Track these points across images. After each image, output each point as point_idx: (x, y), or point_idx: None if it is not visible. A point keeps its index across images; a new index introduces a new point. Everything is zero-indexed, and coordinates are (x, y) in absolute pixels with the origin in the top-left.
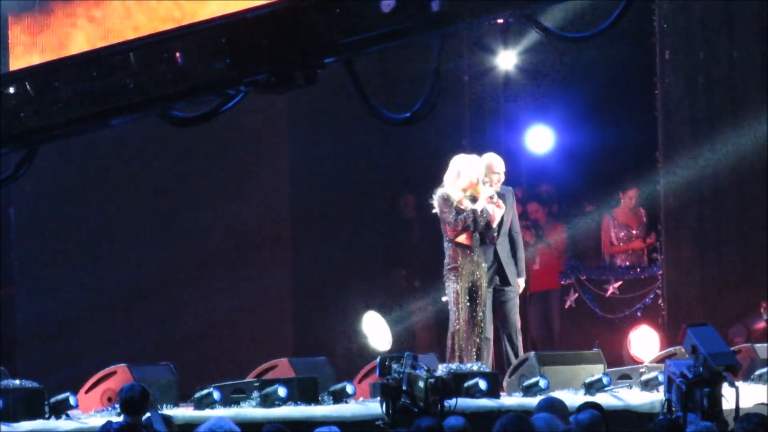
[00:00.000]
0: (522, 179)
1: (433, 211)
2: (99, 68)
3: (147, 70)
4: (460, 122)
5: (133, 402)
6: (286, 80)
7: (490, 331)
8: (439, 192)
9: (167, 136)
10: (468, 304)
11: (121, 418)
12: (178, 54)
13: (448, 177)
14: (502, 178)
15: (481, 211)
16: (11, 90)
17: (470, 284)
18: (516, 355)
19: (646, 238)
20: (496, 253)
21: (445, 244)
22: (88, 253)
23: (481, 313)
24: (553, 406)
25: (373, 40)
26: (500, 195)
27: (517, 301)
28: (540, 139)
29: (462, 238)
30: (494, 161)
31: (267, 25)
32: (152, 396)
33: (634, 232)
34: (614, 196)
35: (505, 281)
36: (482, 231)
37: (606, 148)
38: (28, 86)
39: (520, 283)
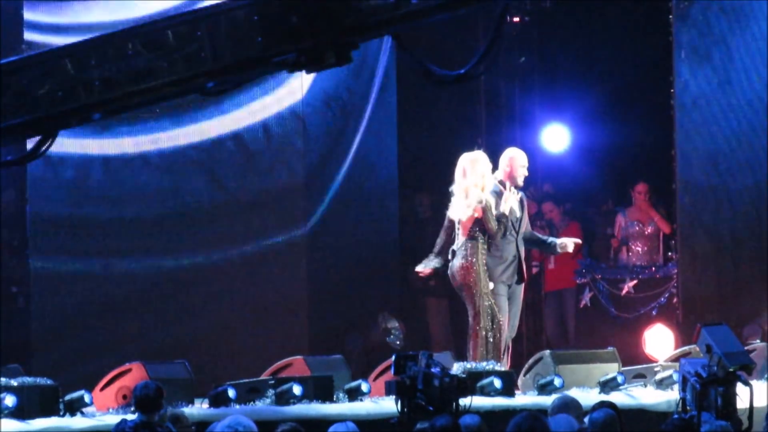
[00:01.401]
0: (537, 178)
1: (459, 217)
2: (134, 47)
3: (181, 48)
4: (476, 121)
5: (147, 400)
6: (317, 59)
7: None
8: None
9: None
10: (490, 301)
11: (135, 416)
12: (211, 32)
13: (458, 177)
14: (526, 173)
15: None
16: (47, 69)
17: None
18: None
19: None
20: (517, 250)
21: (464, 242)
22: (103, 251)
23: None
24: (568, 405)
25: (407, 17)
26: (521, 198)
27: (521, 299)
28: (556, 137)
29: (492, 236)
30: (519, 154)
31: (297, 2)
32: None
33: (647, 229)
34: (626, 194)
35: (521, 278)
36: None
37: (622, 146)
38: (66, 64)
39: (567, 241)
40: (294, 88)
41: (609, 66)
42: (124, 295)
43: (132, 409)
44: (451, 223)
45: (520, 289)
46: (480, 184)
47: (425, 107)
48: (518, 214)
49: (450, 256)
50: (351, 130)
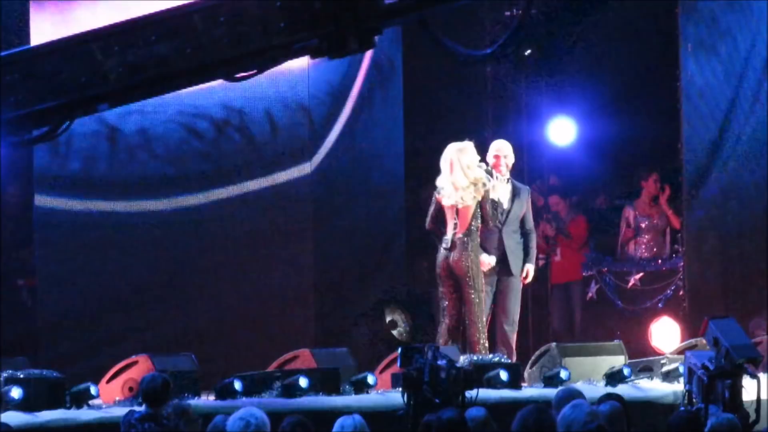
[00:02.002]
0: (544, 171)
1: (459, 205)
2: (157, 33)
3: (204, 35)
4: (482, 114)
5: (154, 392)
6: (340, 45)
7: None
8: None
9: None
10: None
11: (143, 408)
12: (234, 18)
13: (445, 168)
14: (503, 162)
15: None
16: (70, 54)
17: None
18: (505, 346)
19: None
20: (501, 242)
21: (465, 234)
22: (109, 243)
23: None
24: (573, 396)
25: (430, 1)
26: (515, 189)
27: (519, 290)
28: (562, 130)
29: (475, 228)
30: (495, 144)
31: None
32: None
33: (655, 222)
34: (636, 187)
35: (508, 271)
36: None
37: (628, 139)
38: (89, 50)
39: (530, 269)
40: (299, 79)
41: (615, 59)
42: (130, 287)
43: (139, 400)
44: (440, 213)
45: (513, 282)
46: (448, 172)
47: (431, 100)
48: (506, 205)
49: (446, 246)
50: (358, 123)
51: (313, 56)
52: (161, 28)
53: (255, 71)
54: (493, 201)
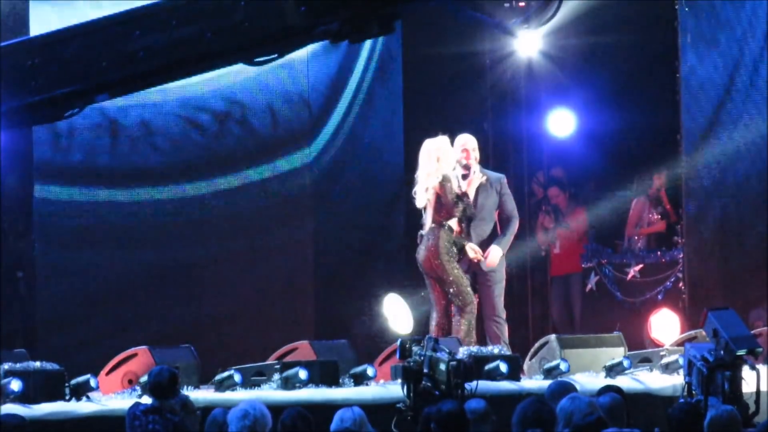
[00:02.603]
0: (543, 163)
1: (418, 197)
2: (178, 18)
3: (225, 19)
4: (482, 106)
5: (161, 386)
6: (360, 29)
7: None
8: (439, 178)
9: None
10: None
11: (149, 400)
12: (255, 3)
13: (429, 164)
14: (469, 155)
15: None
16: (91, 39)
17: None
18: (494, 339)
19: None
20: (470, 238)
21: (430, 228)
22: (108, 235)
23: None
24: (565, 389)
25: None
26: (488, 180)
27: (503, 285)
28: (562, 122)
29: (453, 222)
30: (459, 139)
31: None
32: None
33: (656, 217)
34: (647, 179)
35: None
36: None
37: (628, 131)
38: (110, 35)
39: (494, 250)
40: (299, 72)
41: (614, 51)
42: (130, 279)
43: (138, 393)
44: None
45: (495, 275)
46: (437, 167)
47: (431, 92)
48: (472, 199)
49: (418, 241)
50: (358, 116)
51: (333, 40)
52: (182, 13)
53: (275, 56)
54: (458, 194)
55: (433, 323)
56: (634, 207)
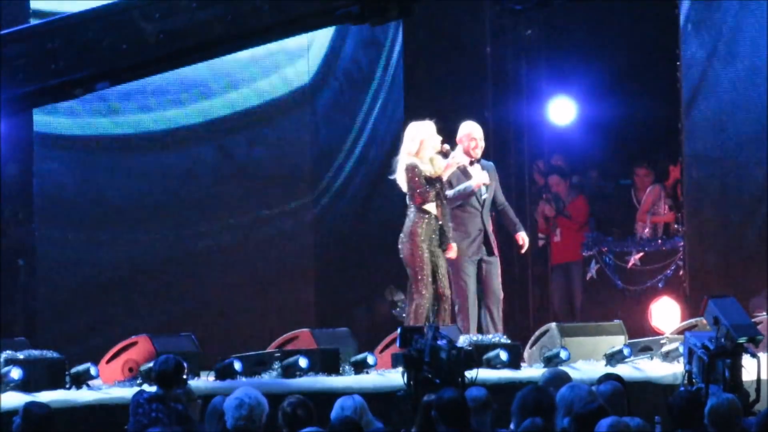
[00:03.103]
0: (544, 151)
1: (398, 180)
2: (199, 0)
3: (246, 1)
4: (482, 94)
5: (166, 375)
6: (380, 12)
7: (472, 301)
8: (406, 162)
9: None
10: (431, 269)
11: (154, 389)
12: None
13: (409, 148)
14: (481, 145)
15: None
16: (111, 21)
17: (428, 249)
18: (495, 327)
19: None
20: (482, 225)
21: (409, 211)
22: (109, 224)
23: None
24: (559, 378)
25: None
26: (486, 170)
27: (499, 271)
28: (562, 110)
29: (429, 206)
30: (468, 127)
31: None
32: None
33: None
34: (665, 168)
35: (491, 252)
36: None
37: (629, 119)
38: (130, 17)
39: (525, 239)
40: (302, 59)
41: (616, 39)
42: (130, 267)
43: (139, 381)
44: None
45: (495, 263)
46: (415, 150)
47: (432, 81)
48: (484, 188)
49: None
50: (359, 103)
51: (354, 23)
52: None
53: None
54: (429, 178)
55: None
56: (650, 193)
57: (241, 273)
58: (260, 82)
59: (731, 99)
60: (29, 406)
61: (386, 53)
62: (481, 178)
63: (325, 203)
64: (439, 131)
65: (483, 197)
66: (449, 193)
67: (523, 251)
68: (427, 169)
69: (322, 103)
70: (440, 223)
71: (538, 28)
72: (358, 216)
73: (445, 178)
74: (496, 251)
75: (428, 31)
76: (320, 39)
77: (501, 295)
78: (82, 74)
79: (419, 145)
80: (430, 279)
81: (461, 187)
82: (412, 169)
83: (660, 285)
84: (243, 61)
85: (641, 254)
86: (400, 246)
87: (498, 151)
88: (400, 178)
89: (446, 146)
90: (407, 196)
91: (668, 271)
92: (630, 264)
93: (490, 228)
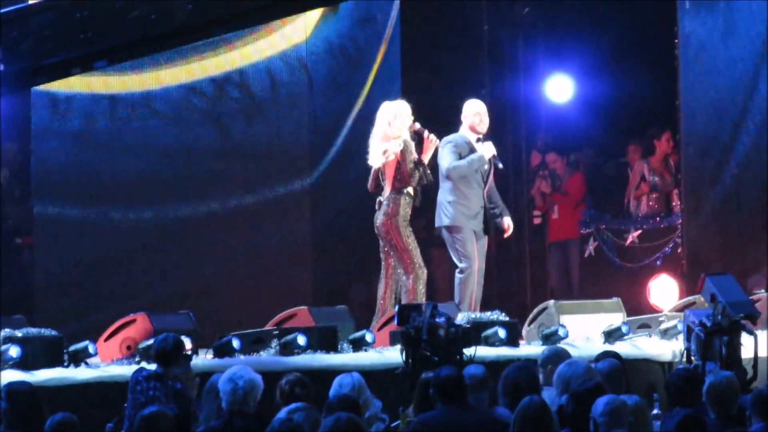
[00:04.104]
0: (541, 128)
1: (374, 164)
2: None
3: None
4: (479, 72)
5: (164, 353)
6: None
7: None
8: (377, 148)
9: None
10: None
11: (154, 366)
12: None
13: (380, 128)
14: (486, 120)
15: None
16: None
17: (410, 232)
18: (475, 306)
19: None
20: (483, 202)
21: (389, 195)
22: (107, 201)
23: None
24: (559, 355)
25: None
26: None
27: (485, 251)
28: (560, 88)
29: (410, 189)
30: (473, 104)
31: None
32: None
33: (668, 181)
34: (648, 143)
35: (486, 231)
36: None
37: (626, 97)
38: None
39: (510, 225)
40: (299, 37)
41: (613, 16)
42: (128, 245)
43: (137, 359)
44: (375, 172)
45: (485, 242)
46: (394, 131)
47: (429, 59)
48: (486, 165)
49: (377, 207)
50: (356, 81)
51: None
52: None
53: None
54: (415, 161)
55: (381, 287)
56: (635, 170)
57: (239, 251)
58: (258, 60)
59: (729, 75)
60: (10, 387)
61: (383, 31)
62: (490, 150)
63: (323, 181)
64: (437, 109)
65: (486, 172)
66: (461, 162)
67: (506, 236)
68: (412, 150)
69: (318, 81)
70: (415, 203)
71: (535, 6)
72: (356, 194)
73: (427, 160)
74: (488, 231)
75: (425, 8)
76: (316, 17)
77: (482, 276)
78: (110, 44)
79: (397, 125)
80: (419, 257)
81: (475, 156)
82: (403, 153)
83: (658, 263)
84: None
85: (639, 232)
86: (378, 224)
87: (495, 129)
88: (377, 157)
89: (416, 124)
90: (389, 179)
91: (666, 249)
92: (628, 241)
93: (488, 207)
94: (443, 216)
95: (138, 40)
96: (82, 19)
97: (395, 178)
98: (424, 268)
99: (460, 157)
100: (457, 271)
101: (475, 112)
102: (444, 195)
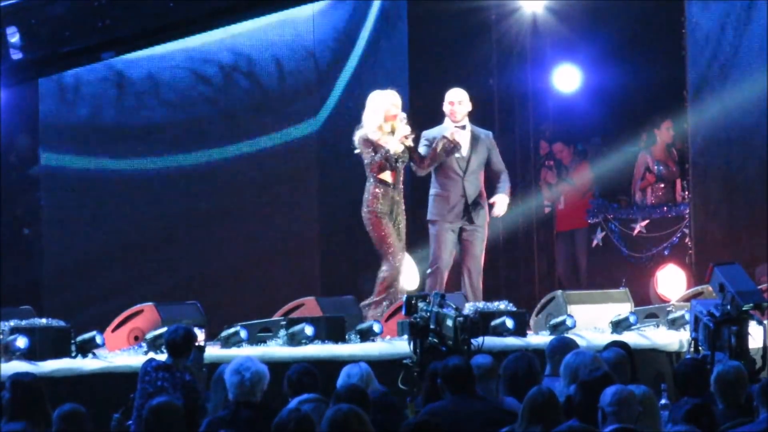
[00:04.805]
0: (549, 119)
1: (356, 151)
2: None
3: None
4: (487, 62)
5: (174, 344)
6: None
7: (445, 265)
8: (358, 133)
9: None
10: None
11: (164, 357)
12: None
13: (366, 115)
14: (458, 109)
15: (404, 150)
16: None
17: (391, 222)
18: (474, 294)
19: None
20: (463, 191)
21: (367, 184)
22: (114, 192)
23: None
24: (567, 345)
25: None
26: (475, 136)
27: (484, 239)
28: (567, 78)
29: (385, 175)
30: (449, 93)
31: None
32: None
33: (673, 169)
34: (649, 133)
35: (471, 220)
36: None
37: (634, 87)
38: None
39: (500, 199)
40: (304, 25)
41: (621, 6)
42: (136, 236)
43: (144, 350)
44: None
45: (477, 232)
46: (375, 122)
47: (436, 48)
48: (465, 153)
49: None
50: (362, 69)
51: None
52: None
53: None
54: (387, 150)
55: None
56: (638, 162)
57: (247, 241)
58: (265, 51)
59: (737, 65)
60: (15, 378)
61: (391, 20)
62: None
63: (330, 170)
64: (444, 99)
65: (458, 158)
66: (423, 152)
67: (494, 214)
68: (389, 139)
69: (326, 69)
70: (402, 193)
71: None
72: (362, 184)
73: (395, 145)
74: (480, 221)
75: None
76: (324, 5)
77: (479, 264)
78: (127, 32)
79: (372, 113)
80: (397, 248)
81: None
82: (362, 140)
83: (666, 252)
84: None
85: (647, 221)
86: (363, 217)
87: (503, 119)
88: (357, 149)
89: (402, 114)
90: (368, 170)
91: (674, 239)
92: (636, 231)
93: (478, 197)
94: (428, 209)
95: (156, 27)
96: (100, 6)
97: (366, 165)
98: (401, 261)
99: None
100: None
101: (448, 101)
102: (430, 188)
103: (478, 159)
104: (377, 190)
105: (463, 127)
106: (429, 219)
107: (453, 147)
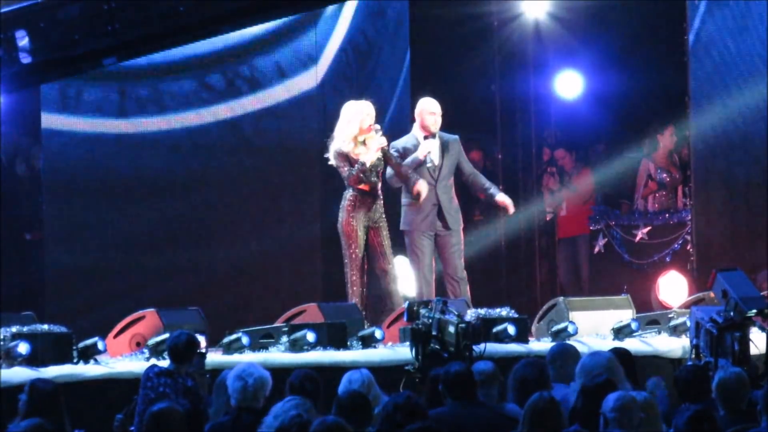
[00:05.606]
0: (551, 125)
1: (329, 162)
2: None
3: None
4: (489, 68)
5: (176, 350)
6: None
7: (427, 272)
8: (331, 147)
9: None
10: (363, 247)
11: (167, 363)
12: None
13: (339, 127)
14: (438, 120)
15: (378, 161)
16: None
17: (365, 228)
18: (456, 297)
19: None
20: (436, 199)
21: (345, 192)
22: (117, 197)
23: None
24: (567, 352)
25: None
26: (444, 142)
27: (461, 243)
28: (569, 84)
29: (363, 186)
30: (427, 102)
31: None
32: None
33: (676, 176)
34: (651, 140)
35: (446, 226)
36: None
37: (636, 93)
38: None
39: (505, 200)
40: (306, 30)
41: (623, 12)
42: (138, 242)
43: (146, 356)
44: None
45: (453, 237)
46: (350, 133)
47: (438, 53)
48: (437, 161)
49: None
50: (363, 73)
51: None
52: None
53: None
54: (362, 162)
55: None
56: (640, 169)
57: (249, 247)
58: (268, 54)
59: (739, 72)
60: (35, 383)
61: (393, 25)
62: (425, 148)
63: (332, 175)
64: (446, 105)
65: (429, 167)
66: (389, 172)
67: (511, 212)
68: (361, 151)
69: (328, 75)
70: (380, 200)
71: (546, 1)
72: None
73: (369, 157)
74: (455, 225)
75: (435, 3)
76: (327, 10)
77: (459, 269)
78: (136, 36)
79: (346, 125)
80: (360, 255)
81: (408, 160)
82: (336, 154)
83: (667, 259)
84: (250, 33)
85: (649, 228)
86: (338, 222)
87: (505, 125)
88: (332, 161)
89: (376, 126)
90: (344, 179)
91: (676, 245)
92: (637, 238)
93: (450, 202)
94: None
95: (166, 32)
96: (109, 10)
97: (344, 178)
98: (357, 268)
99: (404, 159)
100: None
101: (428, 111)
102: (402, 198)
103: (448, 165)
104: (354, 197)
105: (434, 135)
106: (402, 229)
107: (422, 161)
